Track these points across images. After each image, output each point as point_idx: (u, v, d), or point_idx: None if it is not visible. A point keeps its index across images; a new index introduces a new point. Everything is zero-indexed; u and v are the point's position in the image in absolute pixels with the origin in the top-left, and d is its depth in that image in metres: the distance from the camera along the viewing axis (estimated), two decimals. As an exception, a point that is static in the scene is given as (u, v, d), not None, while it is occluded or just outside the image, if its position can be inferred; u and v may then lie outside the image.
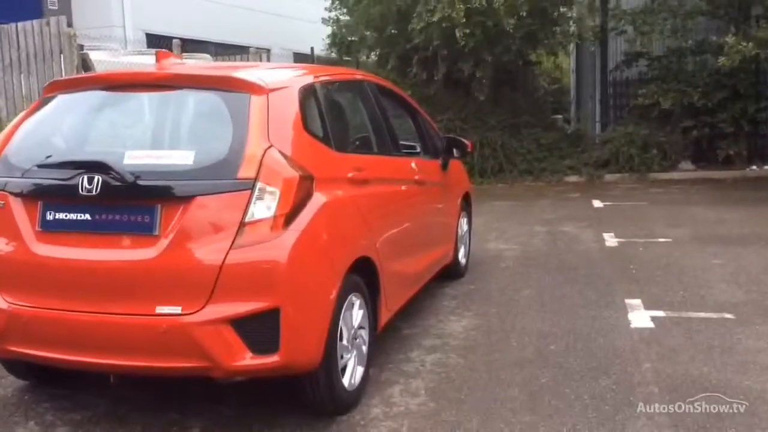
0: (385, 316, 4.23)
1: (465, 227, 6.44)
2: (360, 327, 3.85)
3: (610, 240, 7.76)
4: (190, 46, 17.28)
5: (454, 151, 5.78)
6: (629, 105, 14.44)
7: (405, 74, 13.73)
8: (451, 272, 6.11)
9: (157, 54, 3.74)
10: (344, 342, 3.63)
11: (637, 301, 5.45)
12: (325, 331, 3.39)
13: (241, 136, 3.29)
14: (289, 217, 3.24)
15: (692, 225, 8.50)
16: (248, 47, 18.87)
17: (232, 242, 3.17)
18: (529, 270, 6.56)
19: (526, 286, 6.02)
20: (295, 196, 3.27)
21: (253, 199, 3.20)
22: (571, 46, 14.99)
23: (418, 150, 5.57)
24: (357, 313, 3.79)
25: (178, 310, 3.16)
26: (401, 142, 5.37)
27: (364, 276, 3.87)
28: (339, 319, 3.54)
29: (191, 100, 3.58)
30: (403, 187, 4.67)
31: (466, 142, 5.80)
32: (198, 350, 3.15)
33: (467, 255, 6.55)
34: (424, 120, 5.63)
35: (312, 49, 15.91)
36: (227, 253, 3.15)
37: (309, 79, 3.88)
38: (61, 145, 3.58)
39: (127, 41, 16.54)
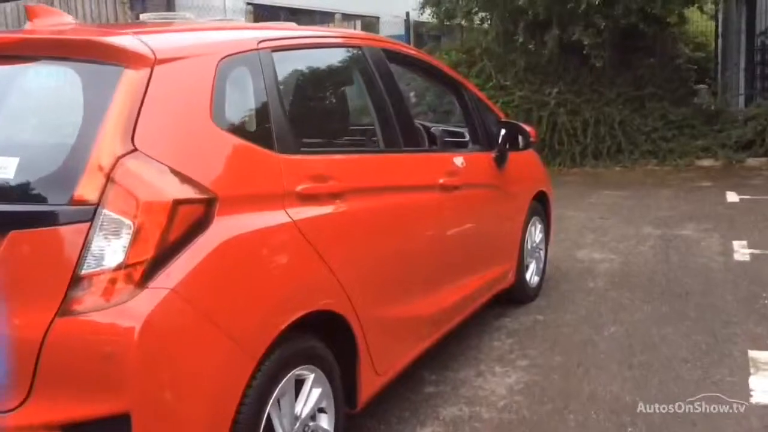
0: (371, 386, 2.95)
1: (538, 237, 5.00)
2: (319, 411, 2.61)
3: (741, 251, 6.03)
4: (299, 17, 16.37)
5: (520, 139, 4.33)
6: (780, 75, 12.20)
7: (511, 41, 12.13)
8: (514, 296, 4.72)
9: (27, 11, 2.60)
10: (277, 445, 2.39)
11: (766, 355, 3.88)
12: (222, 440, 2.16)
13: (90, 134, 2.10)
14: (154, 266, 2.03)
15: None
16: (363, 16, 17.67)
17: (60, 305, 2.00)
18: (624, 294, 5.04)
19: (613, 319, 4.54)
20: (165, 232, 2.04)
21: (94, 237, 2.00)
22: (712, 5, 12.81)
23: (466, 140, 4.22)
24: (309, 395, 2.55)
25: (-11, 405, 2.04)
26: (438, 130, 4.06)
27: (327, 336, 2.63)
28: (262, 414, 2.30)
29: (40, 76, 2.40)
30: (414, 197, 3.31)
31: (527, 128, 4.33)
32: (15, 468, 2.03)
33: (542, 272, 5.11)
34: (474, 99, 4.22)
35: (407, 14, 14.41)
36: (51, 323, 1.99)
37: (247, 45, 2.61)
38: None
39: (226, 11, 15.80)
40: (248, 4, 16.69)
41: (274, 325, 2.32)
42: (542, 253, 5.12)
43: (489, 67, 12.02)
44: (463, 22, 13.29)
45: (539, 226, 5.02)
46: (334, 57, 3.33)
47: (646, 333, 4.29)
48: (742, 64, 13.22)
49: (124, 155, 2.05)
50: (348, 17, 15.23)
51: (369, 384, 2.91)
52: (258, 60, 2.58)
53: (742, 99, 13.04)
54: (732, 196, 8.56)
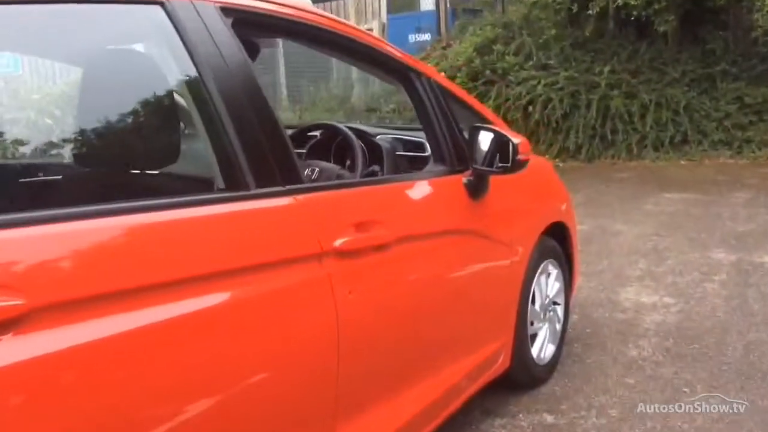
0: None
1: (552, 289, 3.42)
2: None
3: None
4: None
5: (510, 151, 2.68)
6: None
7: (556, 11, 10.43)
8: (513, 380, 3.19)
9: None
10: None
11: None
12: None
13: None
14: None
15: None
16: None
17: None
18: (681, 374, 3.42)
19: (662, 426, 2.95)
20: None
21: None
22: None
23: (425, 157, 2.72)
24: None
25: None
26: (387, 141, 2.63)
27: None
28: None
29: None
30: (263, 285, 1.72)
31: (515, 140, 2.70)
32: None
33: (560, 337, 3.54)
34: (437, 92, 2.64)
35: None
36: None
37: None
38: None
39: None
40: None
41: None
42: (560, 309, 3.54)
43: (529, 43, 10.34)
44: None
45: (554, 273, 3.44)
46: (76, 19, 1.76)
47: (713, 459, 2.71)
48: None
49: None
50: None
51: None
52: None
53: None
54: (828, 202, 6.78)
